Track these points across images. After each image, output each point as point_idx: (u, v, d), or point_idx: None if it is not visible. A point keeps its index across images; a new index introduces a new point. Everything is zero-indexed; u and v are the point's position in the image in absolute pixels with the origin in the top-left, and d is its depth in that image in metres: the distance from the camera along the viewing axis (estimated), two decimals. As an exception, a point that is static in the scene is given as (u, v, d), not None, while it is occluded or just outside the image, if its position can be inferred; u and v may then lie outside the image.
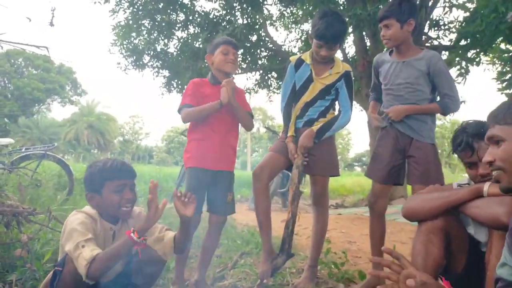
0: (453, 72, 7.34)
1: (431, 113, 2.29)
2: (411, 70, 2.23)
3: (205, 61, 2.51)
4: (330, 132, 2.35)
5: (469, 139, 1.64)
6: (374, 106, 2.55)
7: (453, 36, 7.19)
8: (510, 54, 6.24)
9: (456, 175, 17.30)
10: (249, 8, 7.39)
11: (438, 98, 2.31)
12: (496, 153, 1.24)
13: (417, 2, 6.49)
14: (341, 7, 7.47)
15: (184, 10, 8.40)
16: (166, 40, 8.91)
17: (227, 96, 2.21)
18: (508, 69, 6.38)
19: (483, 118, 1.70)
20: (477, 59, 7.49)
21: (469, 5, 6.48)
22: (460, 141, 1.68)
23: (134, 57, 8.93)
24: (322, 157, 2.38)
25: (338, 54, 9.31)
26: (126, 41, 8.73)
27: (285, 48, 9.23)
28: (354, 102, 10.30)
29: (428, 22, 6.87)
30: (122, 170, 1.68)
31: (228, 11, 7.95)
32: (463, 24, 6.02)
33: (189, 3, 8.52)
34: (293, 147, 2.34)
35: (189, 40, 8.41)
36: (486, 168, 1.57)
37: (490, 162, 1.24)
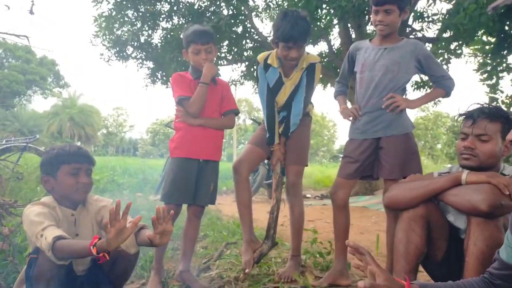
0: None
1: (436, 98, 2.28)
2: (392, 56, 2.19)
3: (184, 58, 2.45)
4: (291, 127, 2.40)
5: (477, 112, 1.66)
6: (344, 99, 2.49)
7: (437, 28, 7.28)
8: (492, 46, 6.36)
9: (438, 166, 17.65)
10: (234, -1, 7.33)
11: (432, 83, 2.29)
12: None
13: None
14: (327, -1, 7.48)
15: (169, 0, 8.28)
16: (150, 31, 8.78)
17: (207, 75, 2.23)
18: (489, 60, 6.51)
19: (463, 109, 1.75)
20: (459, 51, 7.62)
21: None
22: (470, 110, 1.70)
23: (117, 48, 8.78)
24: (295, 147, 2.42)
25: (324, 47, 9.34)
26: (109, 32, 8.56)
27: (270, 40, 9.21)
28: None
29: (412, 14, 6.93)
30: (78, 154, 1.73)
31: (213, 1, 7.87)
32: (446, 17, 6.09)
33: (174, -7, 8.40)
34: (279, 155, 2.38)
35: (174, 32, 8.30)
36: (472, 143, 1.63)
37: None
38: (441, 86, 2.25)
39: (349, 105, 2.48)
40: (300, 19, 2.17)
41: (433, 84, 2.33)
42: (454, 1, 6.11)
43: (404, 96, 2.26)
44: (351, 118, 2.31)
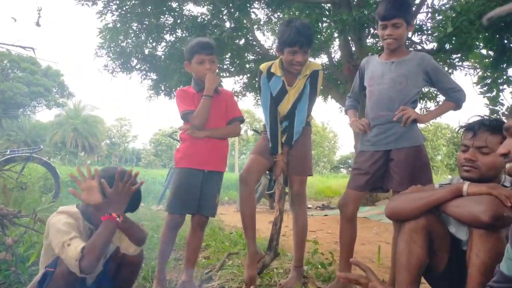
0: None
1: (447, 111, 2.27)
2: (400, 69, 2.21)
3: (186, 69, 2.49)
4: (294, 136, 2.40)
5: (478, 124, 1.67)
6: (354, 113, 2.51)
7: (436, 41, 7.34)
8: (491, 59, 6.39)
9: (439, 177, 17.58)
10: (237, 13, 7.41)
11: (441, 95, 2.32)
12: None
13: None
14: (327, 12, 7.57)
15: (172, 13, 8.39)
16: (154, 43, 8.88)
17: (210, 87, 2.26)
18: (488, 73, 6.54)
19: (464, 120, 1.77)
20: (459, 63, 7.66)
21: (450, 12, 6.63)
22: (470, 123, 1.71)
23: (122, 60, 8.87)
24: (298, 157, 2.43)
25: (324, 59, 9.42)
26: (114, 44, 8.66)
27: (272, 52, 9.28)
28: (340, 106, 10.28)
29: (412, 27, 6.99)
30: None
31: (216, 15, 7.97)
32: (440, 29, 6.13)
33: (177, 7, 8.51)
34: (282, 165, 2.39)
35: (177, 44, 8.40)
36: (473, 155, 1.64)
37: (504, 154, 1.20)
38: (451, 98, 2.25)
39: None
40: (303, 25, 2.23)
41: (443, 96, 2.33)
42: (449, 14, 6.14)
43: (415, 109, 2.26)
44: (360, 130, 2.32)
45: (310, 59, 2.47)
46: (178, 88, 2.51)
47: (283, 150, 2.41)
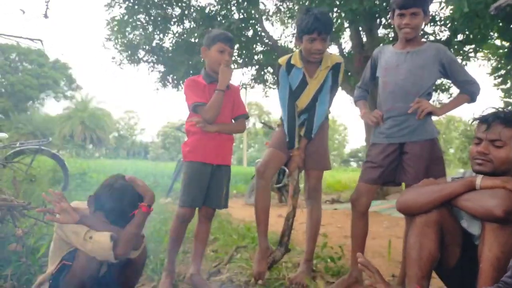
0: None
1: (461, 105, 2.22)
2: (415, 60, 2.16)
3: (200, 55, 2.45)
4: (314, 129, 2.39)
5: (492, 116, 1.63)
6: (365, 104, 2.45)
7: (449, 29, 7.20)
8: (505, 50, 6.27)
9: (451, 170, 17.42)
10: (245, 3, 7.34)
11: (456, 87, 2.25)
12: None
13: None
14: (337, 2, 7.46)
15: (180, 4, 8.34)
16: (161, 35, 8.86)
17: (224, 82, 2.24)
18: (503, 64, 6.41)
19: (478, 112, 1.73)
20: (472, 55, 7.52)
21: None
22: (484, 115, 1.68)
23: (129, 52, 8.87)
24: (315, 152, 2.41)
25: (334, 50, 9.34)
26: (121, 36, 8.67)
27: (281, 43, 9.20)
28: (350, 98, 10.19)
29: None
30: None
31: (224, 5, 7.91)
32: (452, 14, 5.98)
33: (185, -2, 8.47)
34: (299, 160, 2.37)
35: (185, 35, 8.37)
36: (486, 148, 1.60)
37: None
38: (466, 91, 2.20)
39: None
40: (322, 13, 2.20)
41: (458, 89, 2.27)
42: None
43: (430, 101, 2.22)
44: (373, 123, 2.27)
45: None
46: (186, 79, 2.44)
47: (300, 144, 2.38)
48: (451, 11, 5.66)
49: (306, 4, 6.81)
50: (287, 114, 2.39)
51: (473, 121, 1.73)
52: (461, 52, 7.40)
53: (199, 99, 2.27)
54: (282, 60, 2.41)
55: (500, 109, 1.68)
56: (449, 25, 6.34)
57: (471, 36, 5.83)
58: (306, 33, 2.21)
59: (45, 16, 2.35)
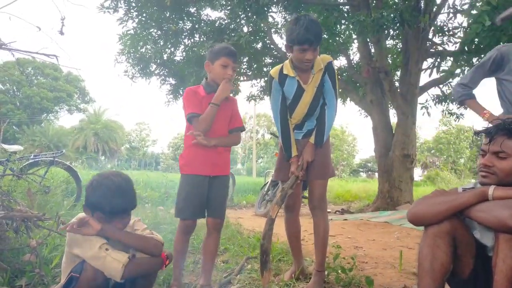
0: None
1: None
2: None
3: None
4: (326, 133, 2.40)
5: (494, 128, 1.63)
6: (479, 104, 2.21)
7: (455, 42, 7.20)
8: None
9: (462, 181, 17.13)
10: (254, 16, 7.44)
11: None
12: None
13: (421, 8, 6.51)
14: (345, 14, 7.51)
15: (191, 18, 8.50)
16: (172, 49, 9.01)
17: (221, 96, 2.26)
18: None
19: (481, 125, 1.72)
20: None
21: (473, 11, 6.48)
22: (487, 127, 1.68)
23: (141, 65, 9.03)
24: (318, 161, 2.41)
25: (343, 61, 9.35)
26: (133, 50, 8.83)
27: (289, 55, 9.28)
28: (359, 108, 10.13)
29: (432, 28, 6.87)
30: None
31: (233, 19, 8.03)
32: (466, 30, 5.98)
33: (196, 12, 8.62)
34: (296, 167, 2.37)
35: (195, 48, 8.50)
36: (489, 161, 1.60)
37: None
38: None
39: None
40: (312, 22, 2.18)
41: None
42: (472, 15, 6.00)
43: None
44: None
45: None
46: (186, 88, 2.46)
47: (300, 143, 2.43)
48: (469, 26, 5.64)
49: (315, 16, 6.87)
50: (281, 124, 2.42)
51: (475, 134, 1.73)
52: (471, 62, 7.36)
53: (194, 110, 2.28)
54: (274, 71, 2.41)
55: (504, 121, 1.68)
56: (470, 30, 6.31)
57: (481, 46, 5.78)
58: (297, 44, 2.20)
59: (61, 33, 2.41)
